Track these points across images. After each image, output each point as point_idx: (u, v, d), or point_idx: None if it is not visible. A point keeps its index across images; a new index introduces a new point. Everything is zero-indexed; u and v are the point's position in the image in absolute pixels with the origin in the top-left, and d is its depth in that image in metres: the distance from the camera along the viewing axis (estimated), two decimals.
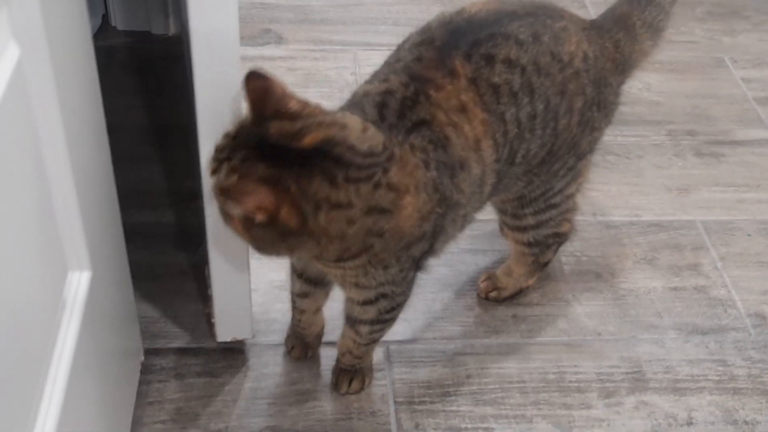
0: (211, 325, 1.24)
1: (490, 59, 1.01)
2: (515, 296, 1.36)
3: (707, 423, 1.22)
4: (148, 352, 1.22)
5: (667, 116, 1.78)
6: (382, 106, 0.98)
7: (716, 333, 1.35)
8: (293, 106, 0.86)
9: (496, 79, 1.01)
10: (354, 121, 0.91)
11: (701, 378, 1.28)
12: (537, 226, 1.24)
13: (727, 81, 1.89)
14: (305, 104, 0.88)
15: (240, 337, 1.23)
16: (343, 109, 1.00)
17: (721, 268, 1.46)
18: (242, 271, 1.13)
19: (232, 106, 0.94)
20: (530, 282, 1.36)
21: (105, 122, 0.96)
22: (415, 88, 0.98)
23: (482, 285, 1.37)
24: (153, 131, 1.63)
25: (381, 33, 1.94)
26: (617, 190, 1.59)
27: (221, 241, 1.08)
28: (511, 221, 1.25)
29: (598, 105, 1.14)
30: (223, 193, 0.84)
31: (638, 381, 1.27)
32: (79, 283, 0.87)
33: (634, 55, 1.18)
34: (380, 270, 1.00)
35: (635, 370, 1.28)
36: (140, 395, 1.17)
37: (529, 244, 1.27)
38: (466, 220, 1.09)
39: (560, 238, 1.29)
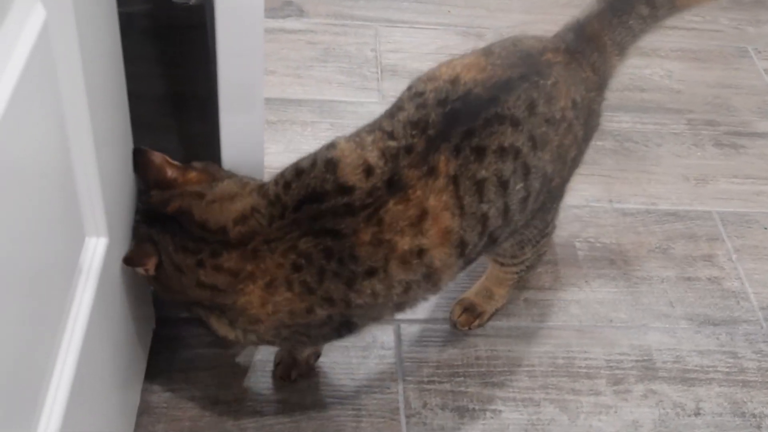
0: None
1: (481, 152, 0.94)
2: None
3: (715, 414, 1.22)
4: (160, 321, 1.23)
5: (687, 105, 1.77)
6: (305, 181, 0.94)
7: (728, 325, 1.35)
8: (171, 174, 1.00)
9: (484, 173, 0.94)
10: (216, 190, 0.98)
11: (711, 369, 1.28)
12: (535, 255, 1.20)
13: (749, 71, 1.88)
14: (184, 171, 1.01)
15: None
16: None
17: (735, 260, 1.45)
18: None
19: (253, 76, 0.94)
20: (506, 300, 1.30)
21: (126, 89, 0.95)
22: (375, 196, 0.92)
23: (461, 319, 1.28)
24: (171, 100, 1.62)
25: (403, 10, 1.93)
26: (635, 178, 1.58)
27: None
28: (507, 260, 1.20)
29: (587, 138, 1.12)
30: (128, 263, 0.99)
31: (648, 369, 1.27)
32: (95, 249, 0.87)
33: (607, 72, 1.14)
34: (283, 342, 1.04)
35: (645, 358, 1.28)
36: (151, 363, 1.18)
37: (519, 271, 1.23)
38: (412, 300, 1.01)
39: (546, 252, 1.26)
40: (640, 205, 1.53)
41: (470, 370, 1.24)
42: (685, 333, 1.33)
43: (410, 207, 0.92)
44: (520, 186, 0.98)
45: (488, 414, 1.19)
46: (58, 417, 0.74)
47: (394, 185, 0.92)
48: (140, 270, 1.00)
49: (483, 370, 1.24)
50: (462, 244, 0.96)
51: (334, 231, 0.92)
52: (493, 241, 1.02)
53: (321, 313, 0.96)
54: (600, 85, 1.12)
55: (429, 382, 1.21)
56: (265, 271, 0.94)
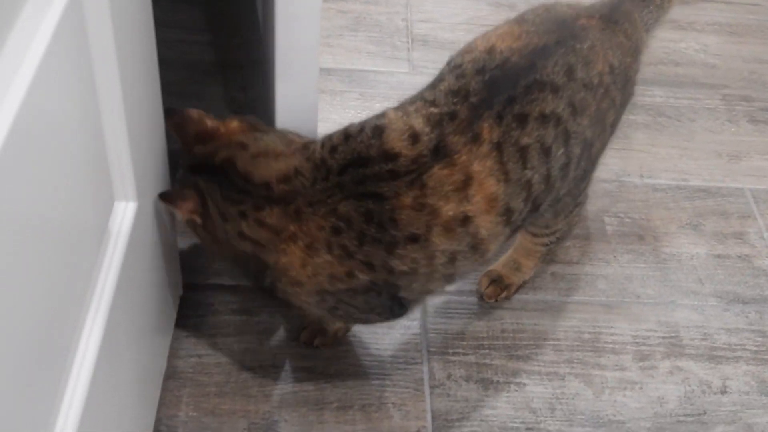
0: None
1: (523, 119, 0.95)
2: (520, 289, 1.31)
3: (741, 393, 1.21)
4: (187, 287, 1.23)
5: (722, 80, 1.74)
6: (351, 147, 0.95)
7: (757, 303, 1.33)
8: (211, 124, 1.01)
9: (526, 140, 0.95)
10: (260, 143, 0.98)
11: (738, 347, 1.27)
12: (567, 226, 1.20)
13: None
14: (225, 122, 1.01)
15: None
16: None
17: (767, 238, 1.43)
18: None
19: (311, 42, 0.95)
20: (534, 272, 1.30)
21: (157, 55, 0.95)
22: (420, 162, 0.92)
23: (488, 291, 1.27)
24: (202, 67, 1.62)
25: None
26: (666, 153, 1.56)
27: None
28: (540, 230, 1.20)
29: (624, 104, 1.12)
30: (164, 198, 1.00)
31: (674, 346, 1.26)
32: (125, 213, 0.87)
33: (640, 42, 1.15)
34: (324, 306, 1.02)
35: (672, 335, 1.27)
36: (178, 328, 1.19)
37: (549, 243, 1.23)
38: (461, 272, 1.00)
39: (564, 237, 1.25)
40: (671, 180, 1.52)
41: (495, 342, 1.24)
42: (714, 310, 1.32)
43: (455, 173, 0.92)
44: (561, 152, 0.99)
45: (512, 387, 1.19)
46: (86, 379, 0.74)
47: (440, 152, 0.92)
48: (178, 215, 1.01)
49: (508, 342, 1.24)
50: (508, 212, 0.96)
51: (376, 194, 0.92)
52: (536, 208, 1.02)
53: (362, 278, 0.95)
54: (635, 52, 1.12)
55: (454, 354, 1.21)
56: (307, 232, 0.94)
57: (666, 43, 1.81)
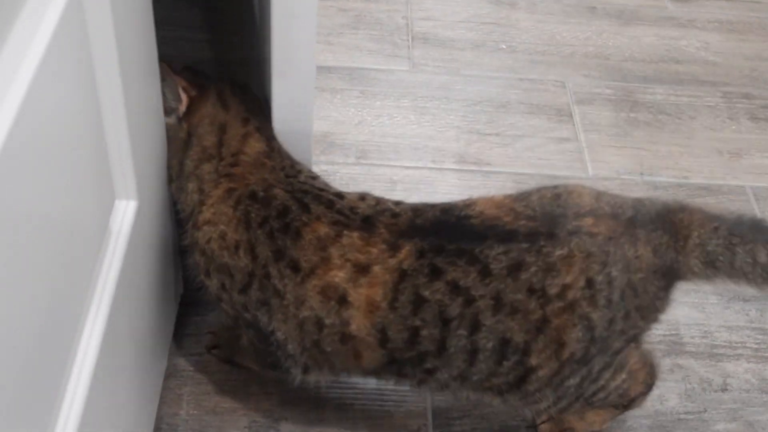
0: None
1: (436, 273, 0.90)
2: None
3: (742, 390, 1.21)
4: (188, 285, 1.23)
5: (723, 77, 1.73)
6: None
7: (758, 301, 1.33)
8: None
9: (427, 293, 0.90)
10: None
11: (739, 345, 1.27)
12: (597, 403, 1.05)
13: None
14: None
15: None
16: None
17: None
18: None
19: (307, 39, 0.95)
20: (605, 425, 1.13)
21: (157, 53, 0.95)
22: (349, 220, 0.94)
23: (543, 426, 1.13)
24: (201, 65, 1.62)
25: None
26: (667, 150, 1.56)
27: None
28: (553, 408, 1.03)
29: (624, 330, 0.95)
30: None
31: (675, 344, 1.26)
32: (125, 212, 0.87)
33: (678, 266, 0.95)
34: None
35: (673, 332, 1.27)
36: (179, 326, 1.19)
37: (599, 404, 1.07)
38: (328, 356, 0.97)
39: (630, 402, 1.08)
40: (672, 178, 1.52)
41: None
42: (714, 308, 1.32)
43: (364, 251, 0.91)
44: (463, 333, 0.91)
45: None
46: (87, 377, 0.74)
47: (368, 222, 0.93)
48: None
49: None
50: (383, 335, 0.92)
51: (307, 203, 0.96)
52: (429, 371, 0.96)
53: (243, 259, 0.95)
54: (658, 270, 0.94)
55: None
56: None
57: (667, 41, 1.81)
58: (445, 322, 0.91)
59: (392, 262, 0.91)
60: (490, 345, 0.92)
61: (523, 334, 0.92)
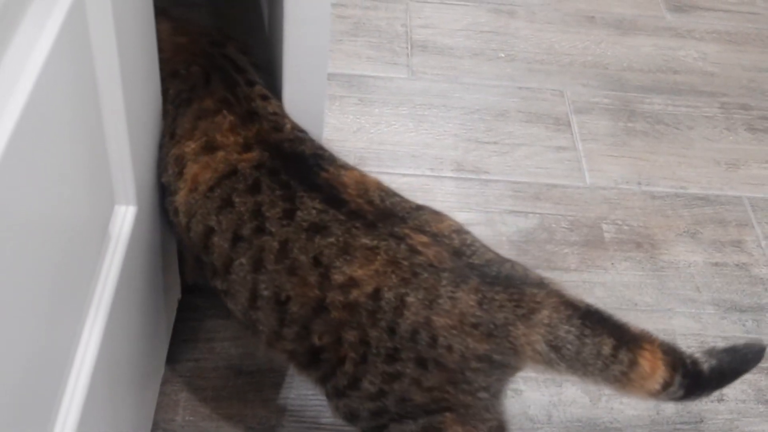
0: None
1: (255, 188, 0.90)
2: None
3: (738, 401, 1.22)
4: (186, 291, 1.23)
5: (721, 88, 1.74)
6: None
7: (755, 311, 1.34)
8: None
9: (236, 200, 0.89)
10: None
11: None
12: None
13: None
14: None
15: None
16: None
17: (764, 246, 1.44)
18: None
19: (321, 45, 0.96)
20: None
21: (158, 58, 0.96)
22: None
23: None
24: None
25: None
26: (664, 161, 1.57)
27: None
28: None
29: (421, 363, 0.85)
30: None
31: None
32: (125, 217, 0.87)
33: (516, 338, 0.85)
34: None
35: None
36: (175, 332, 1.19)
37: None
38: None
39: None
40: (669, 188, 1.52)
41: None
42: (711, 318, 1.32)
43: (227, 133, 0.93)
44: (245, 265, 0.89)
45: (510, 393, 1.19)
46: (85, 382, 0.74)
47: (251, 116, 0.96)
48: None
49: None
50: (188, 220, 0.93)
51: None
52: (221, 291, 0.95)
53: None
54: (478, 327, 0.84)
55: None
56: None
57: (665, 51, 1.81)
58: (234, 238, 0.89)
59: (235, 156, 0.91)
60: (266, 294, 0.89)
61: (300, 305, 0.87)
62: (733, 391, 1.22)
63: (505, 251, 1.36)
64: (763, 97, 1.73)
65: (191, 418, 1.11)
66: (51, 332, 0.69)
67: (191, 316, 1.22)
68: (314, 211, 0.87)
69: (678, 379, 0.87)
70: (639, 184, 1.52)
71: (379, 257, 0.85)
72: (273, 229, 0.87)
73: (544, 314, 0.85)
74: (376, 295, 0.84)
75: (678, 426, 1.18)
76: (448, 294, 0.84)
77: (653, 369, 0.87)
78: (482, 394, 0.88)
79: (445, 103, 1.63)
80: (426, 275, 0.84)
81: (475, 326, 0.83)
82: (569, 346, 0.85)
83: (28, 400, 0.65)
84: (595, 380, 0.88)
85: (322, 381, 0.94)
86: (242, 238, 0.89)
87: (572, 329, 0.85)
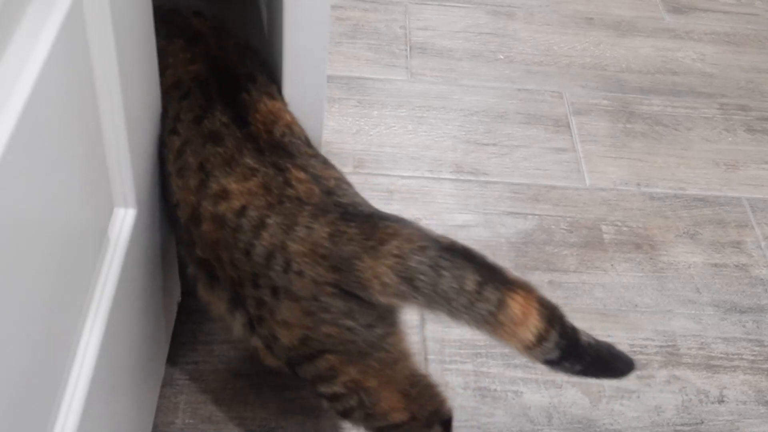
0: None
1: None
2: None
3: (738, 402, 1.21)
4: (185, 293, 1.23)
5: (720, 89, 1.74)
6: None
7: (755, 312, 1.34)
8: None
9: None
10: None
11: (736, 357, 1.27)
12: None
13: None
14: None
15: None
16: None
17: (764, 247, 1.44)
18: None
19: (320, 49, 0.97)
20: None
21: (157, 61, 0.95)
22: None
23: None
24: None
25: None
26: (663, 162, 1.57)
27: None
28: None
29: (275, 293, 0.88)
30: None
31: (672, 355, 1.26)
32: (124, 220, 0.87)
33: (362, 270, 0.84)
34: None
35: (669, 344, 1.27)
36: (175, 335, 1.19)
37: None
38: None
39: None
40: (669, 189, 1.52)
41: (492, 350, 1.24)
42: (711, 320, 1.32)
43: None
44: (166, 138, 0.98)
45: (510, 395, 1.19)
46: (84, 385, 0.74)
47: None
48: None
49: (505, 351, 1.24)
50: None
51: None
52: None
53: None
54: (328, 258, 0.85)
55: (451, 362, 1.21)
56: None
57: (664, 52, 1.81)
58: (161, 142, 0.97)
59: (180, 70, 0.99)
60: (171, 198, 0.95)
61: (183, 211, 0.93)
62: (734, 392, 1.22)
63: (504, 252, 1.36)
64: (761, 98, 1.73)
65: (191, 420, 1.11)
66: (50, 335, 0.69)
67: (190, 318, 1.22)
68: (218, 123, 0.92)
69: (554, 336, 0.84)
70: (638, 185, 1.52)
71: (255, 179, 0.88)
72: (181, 131, 0.94)
73: (393, 245, 0.84)
74: (241, 212, 0.87)
75: (678, 428, 1.18)
76: (305, 223, 0.86)
77: (525, 315, 0.84)
78: (352, 325, 0.86)
79: (444, 104, 1.63)
80: (290, 205, 0.87)
81: (324, 257, 0.84)
82: (422, 278, 0.83)
83: (28, 402, 0.64)
84: (466, 321, 0.85)
85: (230, 310, 0.95)
86: (163, 142, 0.96)
87: (424, 260, 0.83)
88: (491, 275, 0.84)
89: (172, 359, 1.17)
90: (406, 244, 0.84)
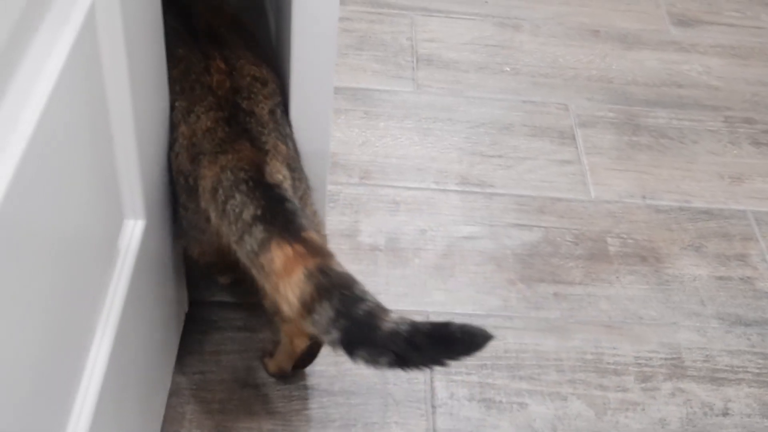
0: None
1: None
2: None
3: (743, 415, 1.22)
4: (192, 304, 1.24)
5: (725, 102, 1.75)
6: None
7: (759, 325, 1.34)
8: None
9: None
10: None
11: (740, 369, 1.27)
12: None
13: None
14: None
15: None
16: None
17: None
18: None
19: (327, 63, 0.97)
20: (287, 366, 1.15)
21: (167, 72, 0.96)
22: None
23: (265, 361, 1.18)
24: None
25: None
26: (669, 174, 1.57)
27: None
28: None
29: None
30: None
31: (676, 368, 1.26)
32: (133, 231, 0.88)
33: (199, 174, 0.92)
34: None
35: (674, 356, 1.28)
36: (182, 345, 1.19)
37: None
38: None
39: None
40: (674, 202, 1.52)
41: (498, 362, 1.24)
42: (716, 332, 1.32)
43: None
44: None
45: (515, 407, 1.19)
46: (94, 394, 0.75)
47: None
48: None
49: (511, 362, 1.24)
50: None
51: None
52: None
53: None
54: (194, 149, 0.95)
55: (457, 374, 1.22)
56: None
57: (669, 65, 1.82)
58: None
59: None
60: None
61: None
62: (739, 405, 1.22)
63: (510, 264, 1.37)
64: (766, 111, 1.73)
65: (197, 430, 1.12)
66: (61, 344, 0.69)
67: (198, 328, 1.22)
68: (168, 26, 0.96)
69: (328, 310, 0.79)
70: (643, 197, 1.52)
71: (181, 65, 0.97)
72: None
73: (227, 158, 0.89)
74: (171, 99, 0.97)
75: None
76: (199, 112, 0.94)
77: (287, 269, 0.81)
78: (190, 209, 0.95)
79: (450, 116, 1.64)
80: (199, 92, 0.95)
81: (191, 146, 0.93)
82: (221, 193, 0.87)
83: (38, 411, 0.65)
84: (240, 256, 0.86)
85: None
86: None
87: (230, 179, 0.87)
88: (275, 218, 0.83)
89: (180, 369, 1.17)
90: (235, 162, 0.88)
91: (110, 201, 0.82)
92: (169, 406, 1.13)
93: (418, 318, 1.25)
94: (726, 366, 1.27)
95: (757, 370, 1.27)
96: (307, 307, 0.80)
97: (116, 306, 0.81)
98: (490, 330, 0.84)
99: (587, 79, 1.76)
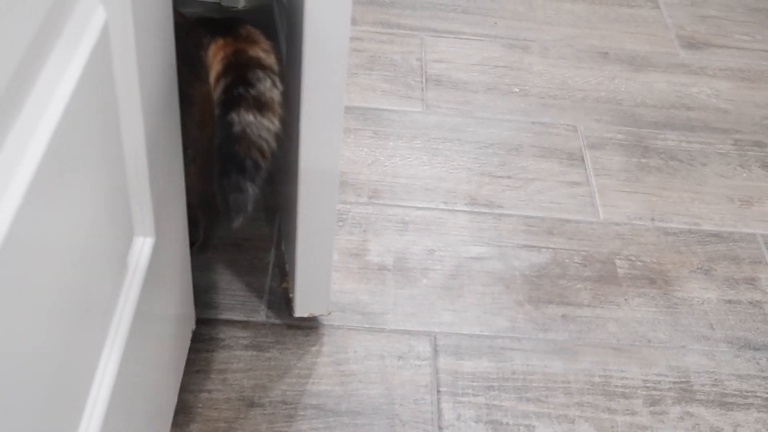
0: (288, 300, 1.25)
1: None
2: None
3: None
4: (199, 322, 1.24)
5: (734, 125, 1.75)
6: None
7: None
8: None
9: None
10: None
11: (750, 394, 1.27)
12: None
13: None
14: None
15: (316, 314, 1.25)
16: None
17: None
18: (327, 247, 1.16)
19: (338, 82, 0.98)
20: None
21: (177, 89, 0.97)
22: None
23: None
24: None
25: (450, 20, 1.93)
26: (678, 197, 1.57)
27: (310, 216, 1.12)
28: None
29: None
30: None
31: (685, 391, 1.25)
32: (142, 248, 0.88)
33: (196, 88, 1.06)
34: None
35: (683, 380, 1.27)
36: (188, 363, 1.19)
37: None
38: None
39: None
40: (683, 224, 1.52)
41: (505, 384, 1.23)
42: (725, 356, 1.31)
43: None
44: None
45: (522, 429, 1.18)
46: (101, 413, 0.75)
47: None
48: None
49: (518, 384, 1.24)
50: None
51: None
52: None
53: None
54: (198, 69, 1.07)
55: (463, 395, 1.21)
56: None
57: (678, 87, 1.82)
58: None
59: None
60: None
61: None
62: (747, 430, 1.21)
63: (518, 285, 1.36)
64: None
65: None
66: (68, 361, 0.69)
67: (204, 347, 1.22)
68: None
69: (222, 83, 0.97)
70: (652, 220, 1.52)
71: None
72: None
73: (220, 56, 1.02)
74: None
75: None
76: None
77: (215, 56, 1.00)
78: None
79: (459, 137, 1.64)
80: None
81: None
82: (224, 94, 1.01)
83: (46, 427, 0.65)
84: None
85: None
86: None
87: (222, 87, 1.00)
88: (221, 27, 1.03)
89: (186, 387, 1.17)
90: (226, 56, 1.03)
91: (121, 219, 0.82)
92: (174, 425, 1.13)
93: (426, 340, 1.25)
94: (735, 390, 1.27)
95: (766, 395, 1.26)
96: (217, 79, 0.98)
97: (124, 323, 0.81)
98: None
99: (596, 100, 1.77)
